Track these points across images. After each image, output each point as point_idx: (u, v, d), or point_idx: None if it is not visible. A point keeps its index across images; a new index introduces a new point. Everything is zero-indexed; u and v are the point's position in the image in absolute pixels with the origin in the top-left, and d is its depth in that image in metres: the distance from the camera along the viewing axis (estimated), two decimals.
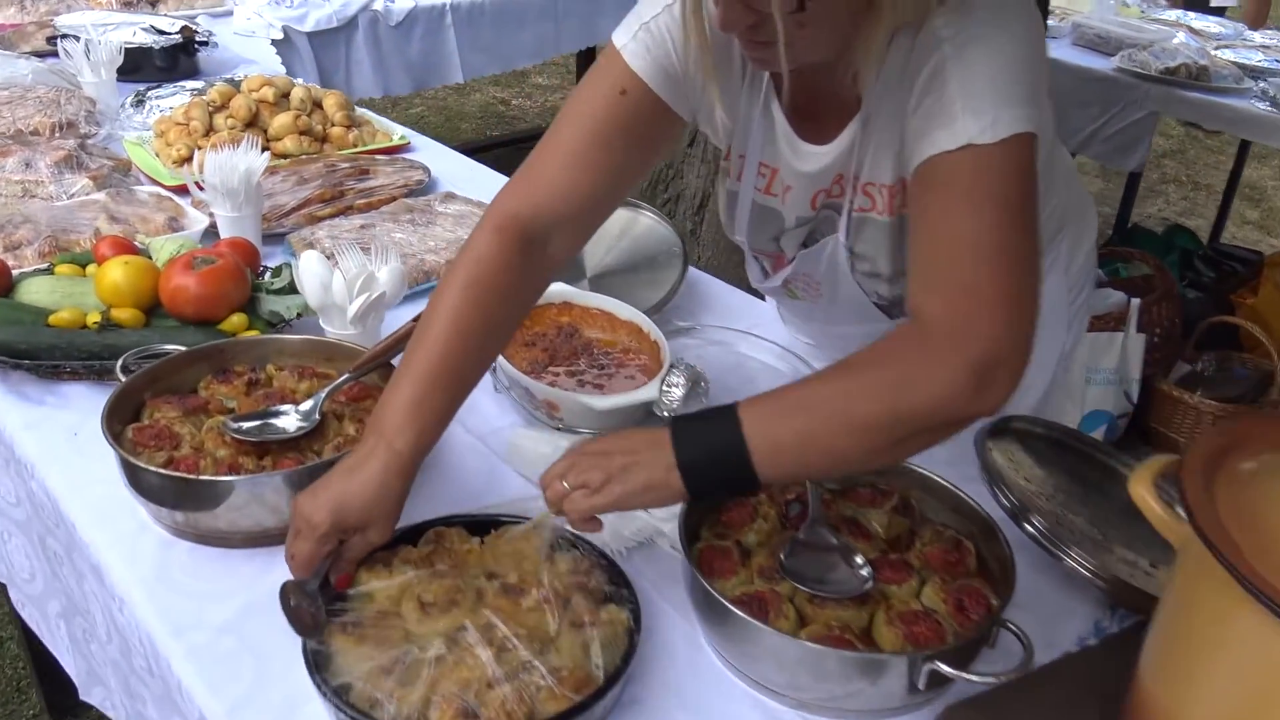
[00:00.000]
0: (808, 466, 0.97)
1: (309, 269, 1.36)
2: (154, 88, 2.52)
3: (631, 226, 1.74)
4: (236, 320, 1.43)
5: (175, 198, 1.85)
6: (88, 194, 1.86)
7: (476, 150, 4.74)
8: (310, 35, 3.40)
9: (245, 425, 1.17)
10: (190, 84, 2.53)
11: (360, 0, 3.50)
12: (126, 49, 2.48)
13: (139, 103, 2.41)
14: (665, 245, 1.70)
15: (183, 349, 1.30)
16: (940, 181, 0.95)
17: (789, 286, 1.32)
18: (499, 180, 2.25)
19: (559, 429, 1.30)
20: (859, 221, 1.16)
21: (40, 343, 1.36)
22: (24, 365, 1.34)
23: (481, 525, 1.07)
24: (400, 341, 1.27)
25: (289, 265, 1.51)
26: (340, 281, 1.34)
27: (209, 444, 1.16)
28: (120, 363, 1.27)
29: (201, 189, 1.69)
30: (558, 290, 1.48)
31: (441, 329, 1.05)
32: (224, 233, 1.71)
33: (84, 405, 1.34)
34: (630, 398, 1.26)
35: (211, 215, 1.77)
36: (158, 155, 2.11)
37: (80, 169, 1.89)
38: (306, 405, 1.20)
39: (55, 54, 2.80)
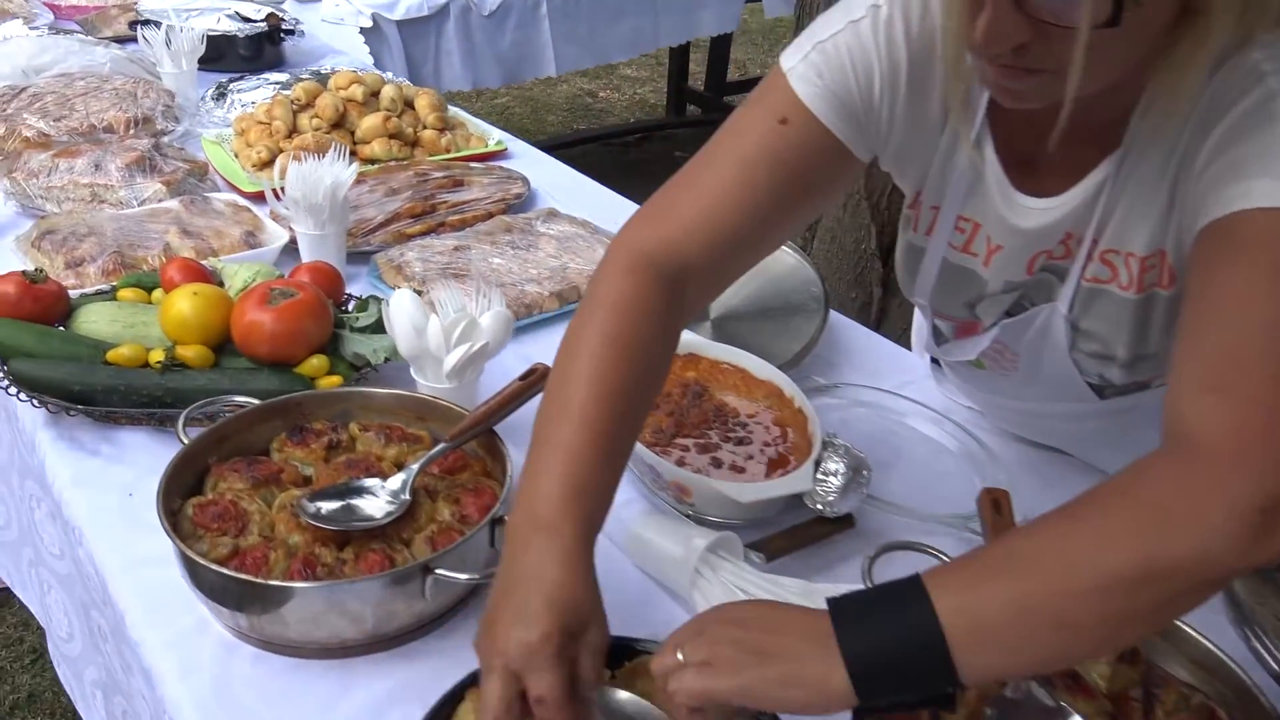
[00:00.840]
0: (1023, 650, 0.68)
1: (401, 311, 1.17)
2: (236, 79, 2.36)
3: (766, 263, 1.52)
4: (316, 363, 1.24)
5: (253, 207, 1.68)
6: (159, 200, 1.70)
7: (564, 146, 4.57)
8: (400, 24, 3.24)
9: (324, 507, 0.98)
10: (275, 76, 2.37)
11: None
12: (209, 37, 2.33)
13: (220, 96, 2.26)
14: (803, 287, 1.48)
15: (254, 404, 1.12)
16: (1246, 247, 0.71)
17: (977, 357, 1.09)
18: (602, 194, 2.08)
19: (689, 515, 1.09)
20: (1090, 293, 0.93)
21: (96, 383, 1.19)
22: (79, 410, 1.18)
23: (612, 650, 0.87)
24: (509, 403, 1.08)
25: (377, 300, 1.32)
26: (437, 327, 1.15)
27: (281, 526, 0.98)
28: (183, 418, 1.09)
29: (281, 199, 1.52)
30: (684, 340, 1.27)
31: (588, 393, 0.84)
32: (305, 252, 1.53)
33: (142, 459, 1.17)
34: (778, 488, 1.05)
35: (291, 230, 1.60)
36: (237, 156, 1.95)
37: (153, 172, 1.73)
38: (395, 482, 1.02)
39: (134, 39, 2.68)
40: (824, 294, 1.44)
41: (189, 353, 1.23)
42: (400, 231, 1.65)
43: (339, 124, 1.94)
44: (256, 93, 2.26)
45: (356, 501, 1.01)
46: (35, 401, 1.17)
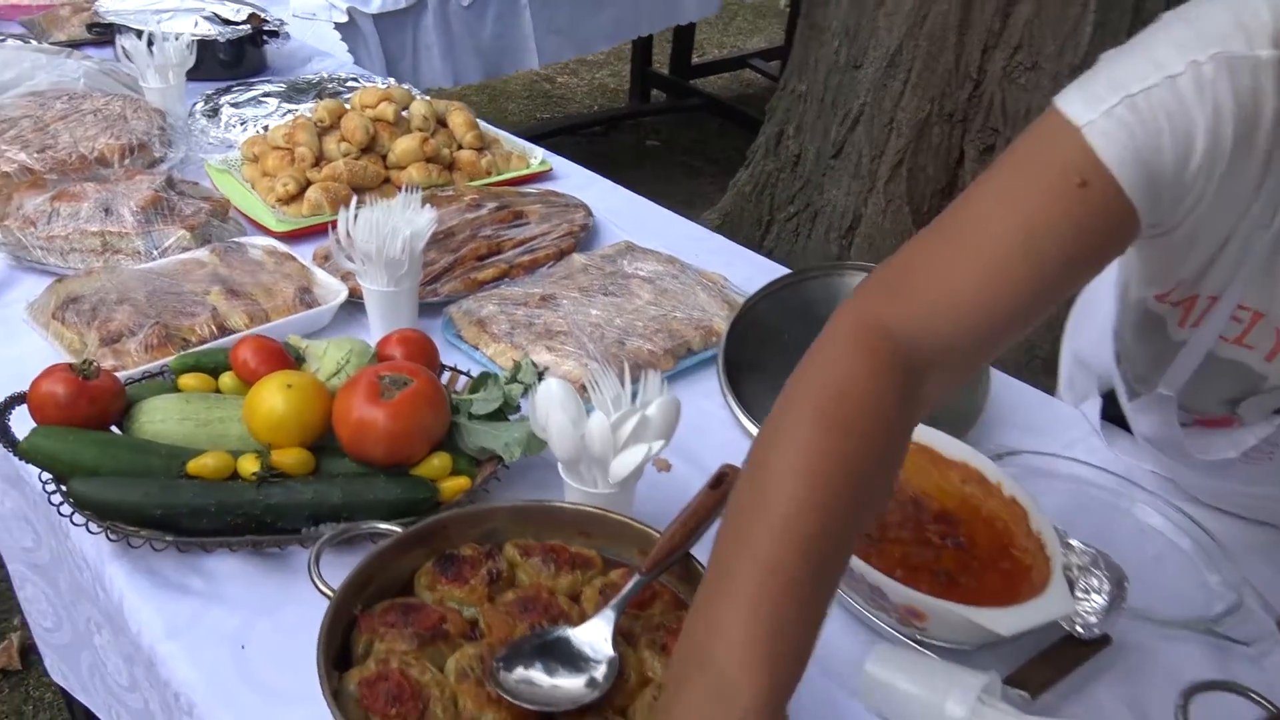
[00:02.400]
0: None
1: (553, 404, 0.99)
2: (224, 90, 2.11)
3: None
4: (438, 463, 1.05)
5: (296, 255, 1.47)
6: (183, 248, 1.47)
7: (532, 138, 4.33)
8: (375, 18, 2.99)
9: (519, 676, 0.80)
10: (266, 86, 2.12)
11: None
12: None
13: (213, 112, 2.01)
14: None
15: (396, 531, 0.93)
16: None
17: None
18: (660, 214, 1.87)
19: (918, 640, 0.94)
20: None
21: (180, 504, 0.98)
22: (165, 541, 0.97)
23: None
24: (704, 520, 0.91)
25: (495, 379, 1.13)
26: (604, 427, 0.97)
27: (468, 702, 0.80)
28: (315, 557, 0.89)
29: (342, 245, 1.31)
30: None
31: (798, 500, 0.68)
32: (375, 312, 1.33)
33: (244, 596, 0.97)
34: (1039, 614, 0.89)
35: (349, 280, 1.39)
36: (252, 186, 1.72)
37: (171, 215, 1.50)
38: (593, 633, 0.84)
39: (95, 44, 2.40)
40: None
41: (287, 459, 1.02)
42: (471, 278, 1.45)
43: (369, 147, 1.72)
44: (253, 109, 2.02)
45: (552, 661, 0.83)
46: (111, 533, 0.96)
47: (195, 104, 2.06)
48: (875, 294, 0.81)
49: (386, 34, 3.03)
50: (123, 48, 1.93)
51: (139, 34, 1.94)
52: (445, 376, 1.21)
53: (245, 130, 1.95)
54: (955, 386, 0.86)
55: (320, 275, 1.42)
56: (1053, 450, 1.23)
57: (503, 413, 1.10)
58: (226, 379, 1.13)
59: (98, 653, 1.17)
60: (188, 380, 1.12)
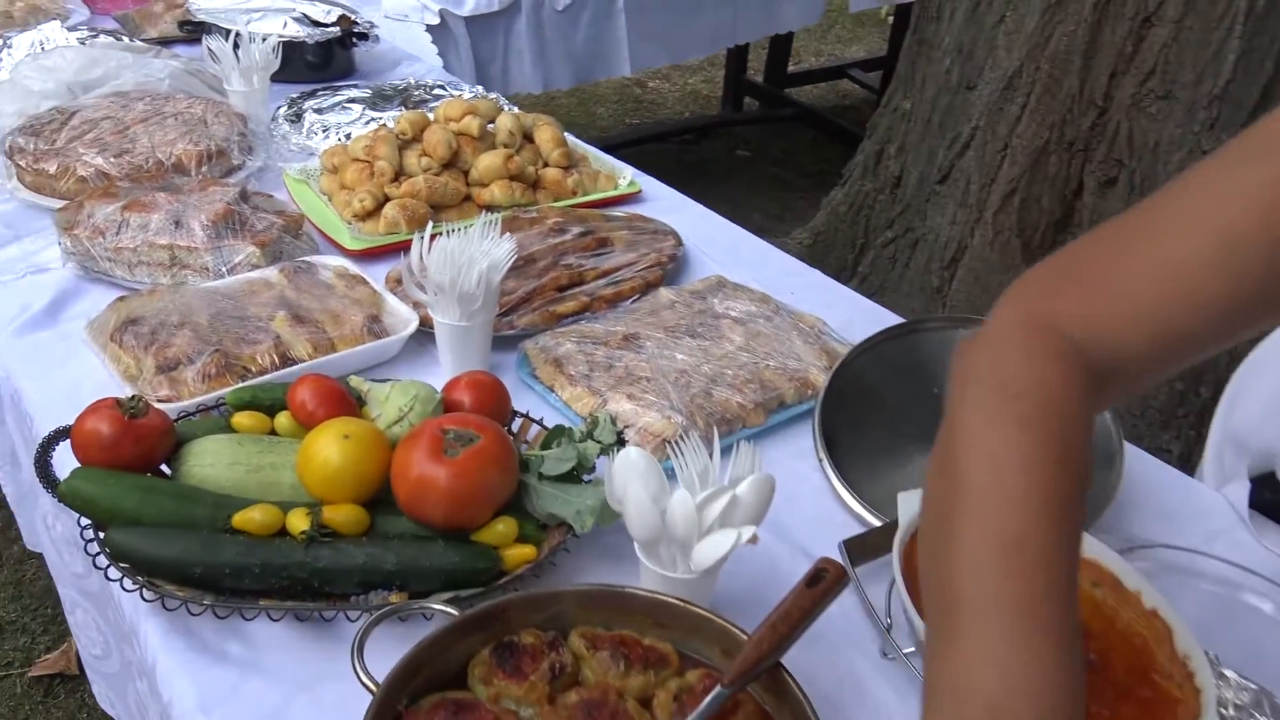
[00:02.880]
0: None
1: (633, 476, 0.88)
2: (309, 95, 2.06)
3: None
4: (503, 529, 0.96)
5: (369, 278, 1.39)
6: (251, 265, 1.40)
7: (621, 146, 4.24)
8: (467, 21, 2.92)
9: None
10: (352, 91, 2.06)
11: None
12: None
13: (296, 118, 1.95)
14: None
15: (450, 612, 0.83)
16: None
17: None
18: (754, 244, 1.73)
19: None
20: None
21: (223, 562, 0.90)
22: (205, 605, 0.89)
23: None
24: (800, 625, 0.79)
25: (569, 435, 1.03)
26: (689, 507, 0.86)
27: None
28: (354, 646, 0.80)
29: (414, 274, 1.22)
30: None
31: (1029, 521, 0.59)
32: (446, 347, 1.24)
33: (284, 667, 0.89)
34: None
35: (419, 309, 1.31)
36: (329, 199, 1.65)
37: (243, 229, 1.43)
38: None
39: (185, 41, 2.37)
40: (1115, 430, 1.14)
41: (339, 516, 0.94)
42: (550, 311, 1.36)
43: (451, 163, 1.63)
44: (337, 115, 1.95)
45: None
46: (147, 592, 0.89)
47: (279, 108, 2.01)
48: (1047, 290, 0.71)
49: (478, 37, 2.97)
50: (209, 49, 1.88)
51: (225, 34, 1.89)
52: (516, 424, 1.12)
53: (327, 138, 1.89)
54: (1131, 396, 0.74)
55: (391, 302, 1.34)
56: (1191, 544, 1.08)
57: (575, 473, 1.00)
58: (283, 419, 1.05)
59: (140, 696, 1.10)
60: (242, 420, 1.05)
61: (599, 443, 1.01)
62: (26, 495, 1.53)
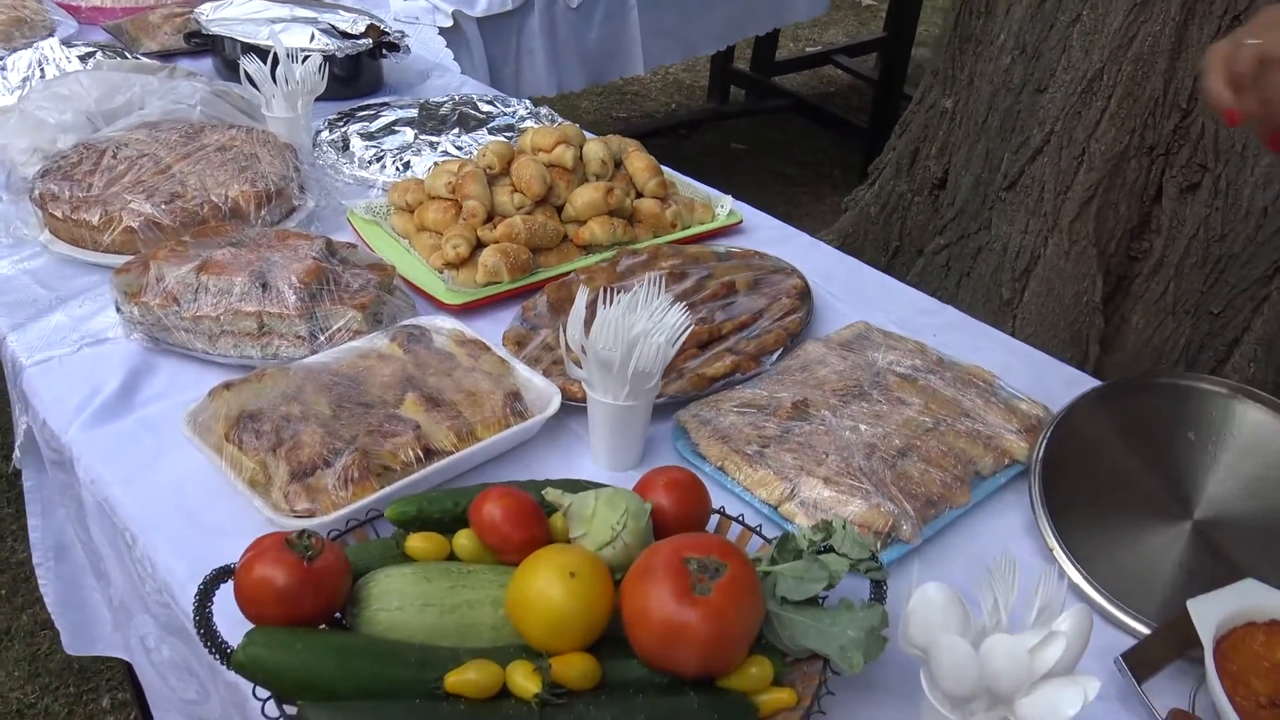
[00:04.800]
0: None
1: (933, 612, 0.75)
2: (347, 117, 1.87)
3: (1259, 434, 1.11)
4: (757, 673, 0.82)
5: (490, 344, 1.23)
6: (353, 332, 1.23)
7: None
8: (480, 22, 2.74)
9: None
10: (391, 109, 1.88)
11: None
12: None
13: (342, 145, 1.77)
14: None
15: None
16: None
17: None
18: (875, 278, 1.56)
19: None
20: None
21: None
22: None
23: None
24: None
25: (804, 545, 0.89)
26: (1016, 656, 0.72)
27: None
28: None
29: (570, 348, 1.07)
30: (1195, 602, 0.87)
31: None
32: (604, 428, 1.10)
33: None
34: None
35: (557, 376, 1.16)
36: (410, 244, 1.48)
37: (338, 289, 1.26)
38: None
39: (193, 54, 2.16)
40: None
41: (572, 671, 0.79)
42: (700, 375, 1.21)
43: (544, 199, 1.47)
44: (387, 137, 1.77)
45: None
46: None
47: (319, 132, 1.82)
48: None
49: (490, 39, 2.79)
50: (248, 73, 1.68)
51: (261, 53, 1.70)
52: (712, 523, 0.98)
53: (383, 167, 1.71)
54: None
55: (522, 372, 1.18)
56: None
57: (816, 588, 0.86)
58: (465, 541, 0.89)
59: None
60: (418, 545, 0.89)
61: (846, 558, 0.87)
62: (89, 601, 1.36)
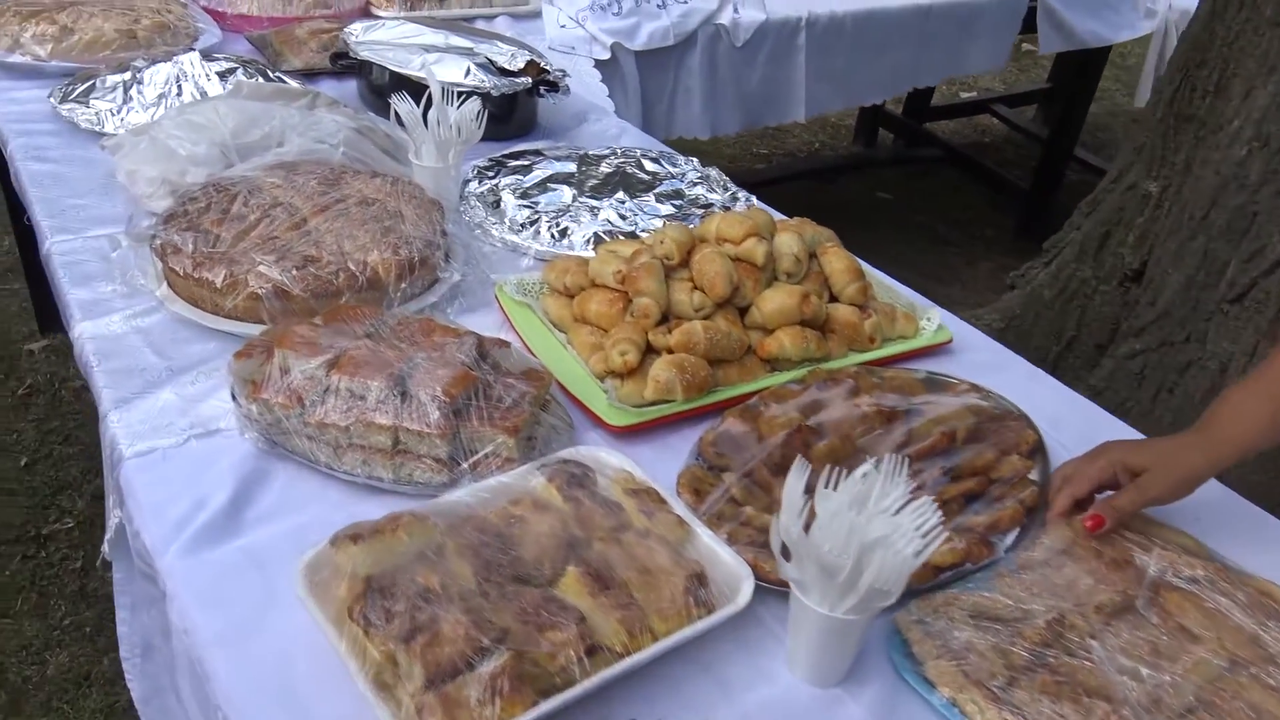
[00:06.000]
0: None
1: None
2: (498, 166, 1.68)
3: None
4: None
5: (667, 495, 1.00)
6: (504, 459, 1.03)
7: (750, 186, 3.82)
8: (638, 56, 2.54)
9: None
10: (546, 160, 1.68)
11: (706, 7, 2.62)
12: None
13: (493, 202, 1.57)
14: None
15: None
16: None
17: None
18: (1108, 423, 1.28)
19: None
20: None
21: None
22: None
23: None
24: None
25: None
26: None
27: None
28: None
29: (783, 550, 0.84)
30: None
31: None
32: (813, 640, 0.87)
33: None
34: None
35: (755, 556, 0.93)
36: (567, 340, 1.27)
37: (488, 405, 1.05)
38: None
39: (336, 75, 2.01)
40: None
41: None
42: (931, 564, 0.97)
43: (727, 299, 1.25)
44: (543, 195, 1.57)
45: None
46: None
47: (466, 181, 1.63)
48: None
49: (647, 74, 2.59)
50: (398, 113, 1.50)
51: (412, 86, 1.51)
52: None
53: (536, 233, 1.51)
54: None
55: (705, 540, 0.96)
56: None
57: None
58: None
59: None
60: None
61: None
62: (174, 711, 1.18)
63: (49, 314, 2.93)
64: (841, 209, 4.05)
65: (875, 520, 0.81)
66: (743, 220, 1.30)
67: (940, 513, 0.83)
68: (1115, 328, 2.51)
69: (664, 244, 1.27)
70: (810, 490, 0.84)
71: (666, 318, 1.24)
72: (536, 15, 2.55)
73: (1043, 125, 4.87)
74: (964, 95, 5.16)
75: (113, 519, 1.13)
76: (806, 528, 0.83)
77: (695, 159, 1.80)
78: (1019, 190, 4.07)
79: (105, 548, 1.15)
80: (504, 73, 1.84)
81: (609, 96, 2.41)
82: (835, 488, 0.84)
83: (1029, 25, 3.28)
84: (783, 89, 2.85)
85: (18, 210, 2.61)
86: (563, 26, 2.50)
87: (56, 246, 1.42)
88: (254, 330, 1.23)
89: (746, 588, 0.91)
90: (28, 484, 2.42)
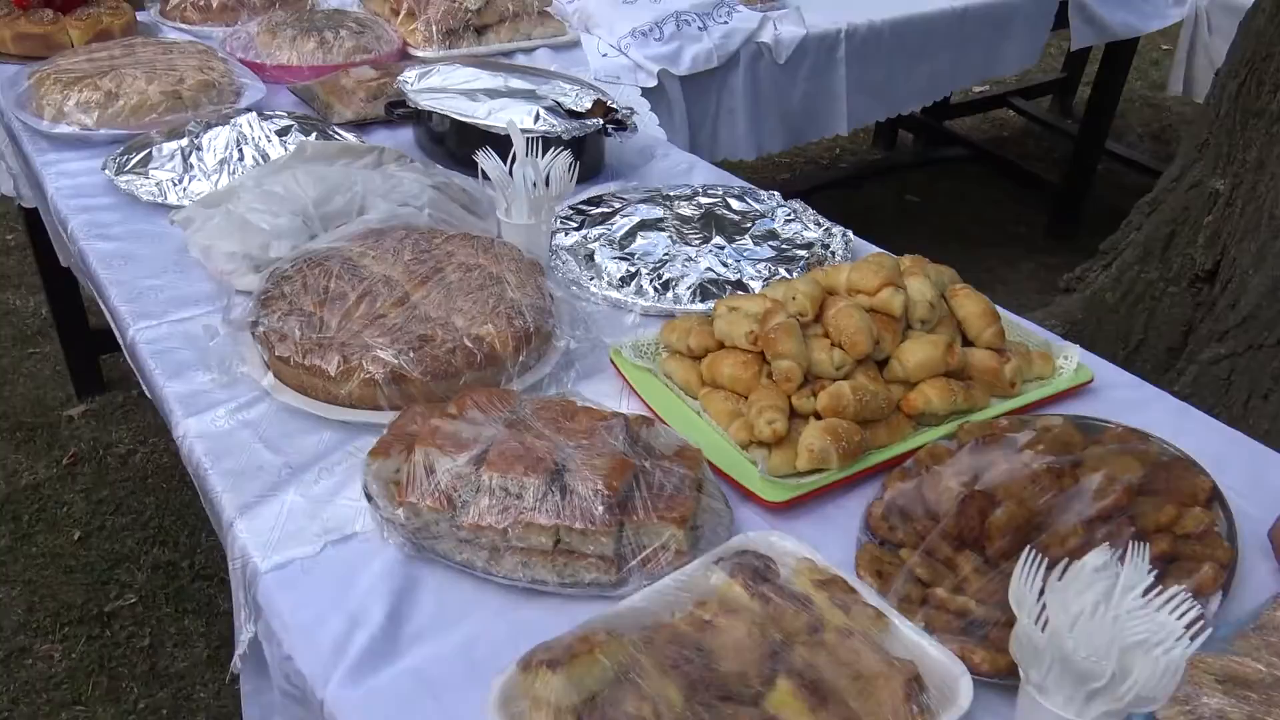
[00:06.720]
0: None
1: None
2: (582, 215, 1.62)
3: None
4: None
5: (858, 587, 0.94)
6: (674, 553, 0.96)
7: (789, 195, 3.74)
8: (683, 81, 2.48)
9: None
10: (628, 207, 1.62)
11: (746, 26, 2.56)
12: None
13: (586, 257, 1.51)
14: None
15: None
16: None
17: None
18: (1253, 452, 1.22)
19: None
20: None
21: None
22: None
23: None
24: None
25: None
26: None
27: None
28: None
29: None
30: None
31: None
32: None
33: None
34: None
35: (962, 647, 0.87)
36: (702, 408, 1.21)
37: (650, 493, 0.98)
38: None
39: (390, 124, 1.94)
40: None
41: None
42: None
43: (867, 355, 1.19)
44: (636, 244, 1.51)
45: None
46: None
47: (553, 234, 1.57)
48: None
49: (691, 98, 2.53)
50: (483, 170, 1.44)
51: (486, 135, 1.44)
52: None
53: (639, 288, 1.44)
54: None
55: (908, 635, 0.89)
56: None
57: None
58: None
59: None
60: None
61: None
62: None
63: (86, 377, 2.86)
64: (871, 215, 4.00)
65: (1134, 619, 0.74)
66: (876, 270, 1.24)
67: (1198, 605, 0.76)
68: (1187, 330, 2.45)
69: (796, 300, 1.21)
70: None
71: (806, 379, 1.17)
72: (576, 45, 2.48)
73: (1060, 116, 4.83)
74: (977, 89, 5.10)
75: (245, 633, 1.06)
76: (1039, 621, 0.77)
77: (777, 193, 1.74)
78: (1047, 184, 4.02)
79: (237, 663, 1.09)
80: (572, 114, 1.78)
81: (659, 126, 2.34)
82: (1060, 577, 0.78)
83: (1059, 20, 3.23)
84: (824, 103, 2.79)
85: (50, 270, 2.55)
86: (604, 55, 2.43)
87: (141, 335, 1.35)
88: (370, 417, 1.16)
89: (965, 687, 0.85)
90: (84, 559, 2.35)
